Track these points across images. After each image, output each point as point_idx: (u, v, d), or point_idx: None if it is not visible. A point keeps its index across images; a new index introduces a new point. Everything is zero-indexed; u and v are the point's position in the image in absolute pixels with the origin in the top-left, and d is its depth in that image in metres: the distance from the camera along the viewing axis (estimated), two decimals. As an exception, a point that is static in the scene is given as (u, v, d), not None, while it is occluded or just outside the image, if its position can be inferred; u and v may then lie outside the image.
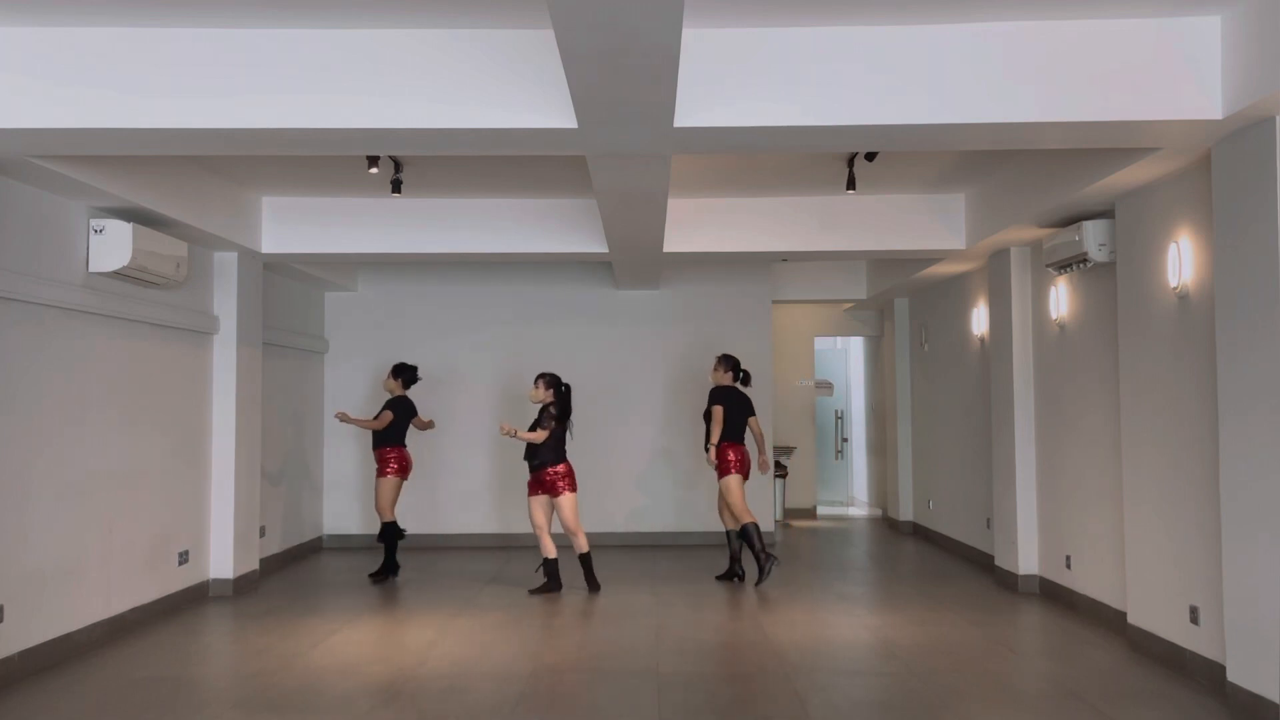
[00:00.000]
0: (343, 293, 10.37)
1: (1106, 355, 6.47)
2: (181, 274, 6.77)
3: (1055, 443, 7.32)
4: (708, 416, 8.02)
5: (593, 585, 7.65)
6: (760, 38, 4.55)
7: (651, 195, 6.14)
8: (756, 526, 7.75)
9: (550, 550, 7.65)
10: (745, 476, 7.96)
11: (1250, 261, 4.52)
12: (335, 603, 7.41)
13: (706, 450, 7.98)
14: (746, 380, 8.19)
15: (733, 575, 8.05)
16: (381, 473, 8.28)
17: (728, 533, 8.07)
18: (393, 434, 8.29)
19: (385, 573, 8.26)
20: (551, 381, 7.70)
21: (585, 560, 7.69)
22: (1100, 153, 5.56)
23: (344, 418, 8.30)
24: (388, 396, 8.54)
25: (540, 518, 7.61)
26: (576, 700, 4.97)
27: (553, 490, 7.56)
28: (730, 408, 8.01)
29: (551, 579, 7.64)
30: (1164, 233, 5.58)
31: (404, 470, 8.35)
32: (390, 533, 8.31)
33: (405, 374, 8.48)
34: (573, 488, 7.61)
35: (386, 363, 10.31)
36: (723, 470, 7.89)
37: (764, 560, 7.67)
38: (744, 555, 8.31)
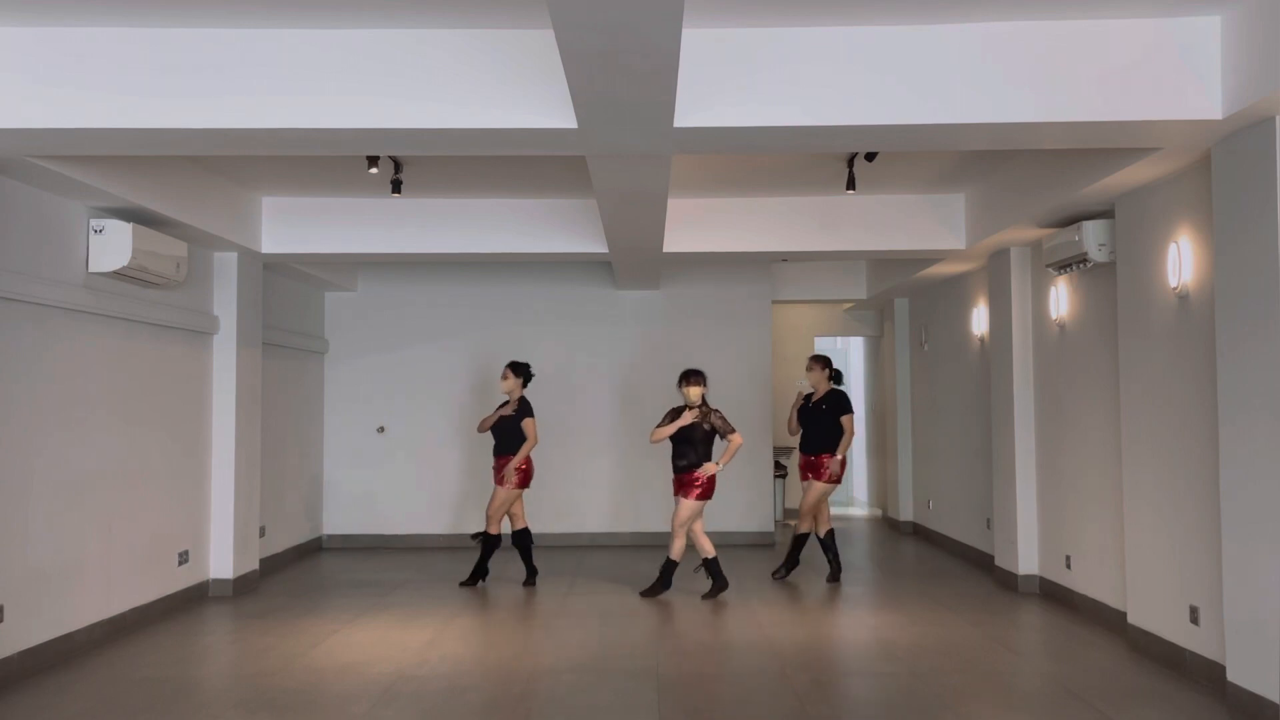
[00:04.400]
0: (343, 293, 10.37)
1: (1106, 355, 6.47)
2: (181, 274, 6.77)
3: (1055, 443, 7.32)
4: (838, 422, 8.06)
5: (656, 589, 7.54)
6: (760, 38, 4.55)
7: (651, 195, 6.14)
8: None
9: (709, 549, 7.51)
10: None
11: (1250, 261, 4.52)
12: (335, 603, 7.41)
13: (834, 457, 8.02)
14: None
15: (835, 574, 8.18)
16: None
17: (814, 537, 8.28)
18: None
19: (477, 576, 8.08)
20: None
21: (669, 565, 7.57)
22: (1100, 153, 5.55)
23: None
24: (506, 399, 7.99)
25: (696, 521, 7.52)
26: (576, 700, 4.97)
27: (688, 492, 7.44)
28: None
29: (718, 578, 7.48)
30: (1164, 233, 5.58)
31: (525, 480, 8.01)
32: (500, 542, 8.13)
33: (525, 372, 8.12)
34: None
35: (386, 363, 10.36)
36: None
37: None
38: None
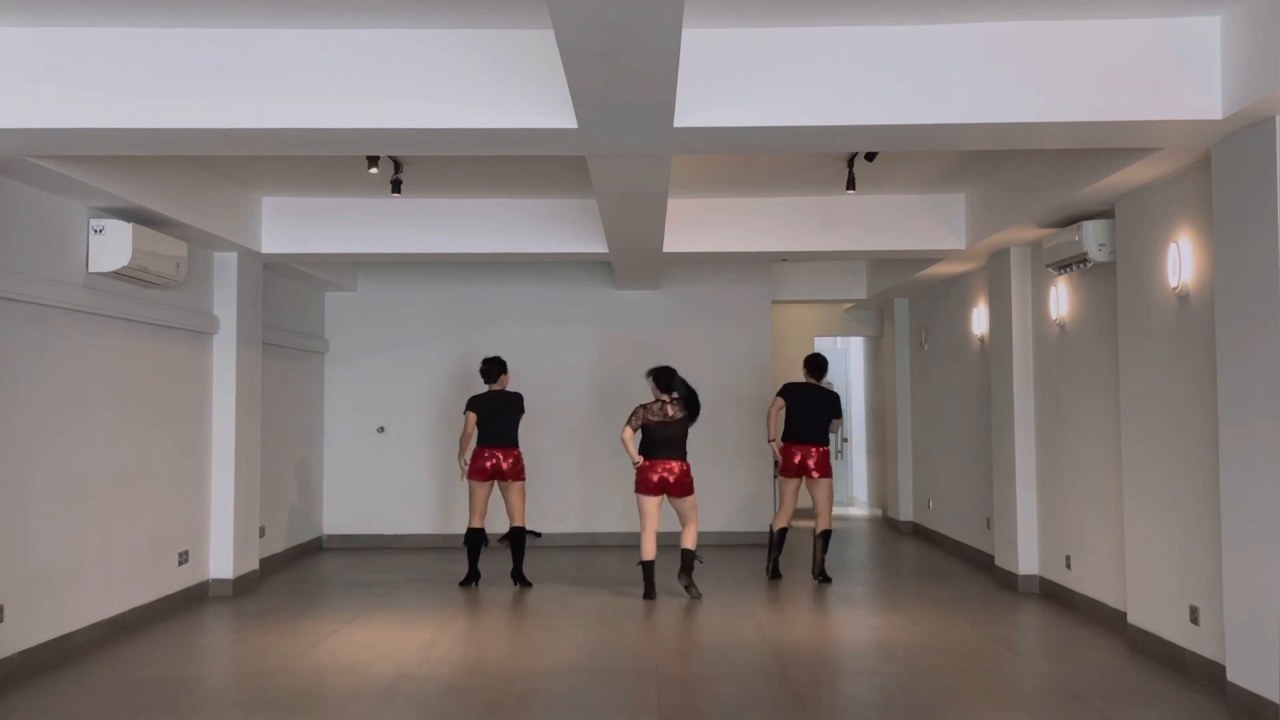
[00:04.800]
0: (343, 293, 10.37)
1: (1106, 355, 6.47)
2: (181, 274, 6.77)
3: (1055, 443, 7.32)
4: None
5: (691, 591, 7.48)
6: (760, 38, 4.55)
7: (651, 195, 6.14)
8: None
9: (647, 552, 7.48)
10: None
11: (1250, 261, 4.52)
12: (335, 603, 7.41)
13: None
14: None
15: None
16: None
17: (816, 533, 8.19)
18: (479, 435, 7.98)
19: (472, 578, 8.04)
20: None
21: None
22: (1100, 153, 5.56)
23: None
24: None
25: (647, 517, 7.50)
26: (576, 700, 4.97)
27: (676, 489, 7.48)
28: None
29: (645, 581, 7.44)
30: (1164, 233, 5.58)
31: (477, 473, 7.90)
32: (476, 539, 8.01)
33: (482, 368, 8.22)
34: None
35: (386, 363, 10.36)
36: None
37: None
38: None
